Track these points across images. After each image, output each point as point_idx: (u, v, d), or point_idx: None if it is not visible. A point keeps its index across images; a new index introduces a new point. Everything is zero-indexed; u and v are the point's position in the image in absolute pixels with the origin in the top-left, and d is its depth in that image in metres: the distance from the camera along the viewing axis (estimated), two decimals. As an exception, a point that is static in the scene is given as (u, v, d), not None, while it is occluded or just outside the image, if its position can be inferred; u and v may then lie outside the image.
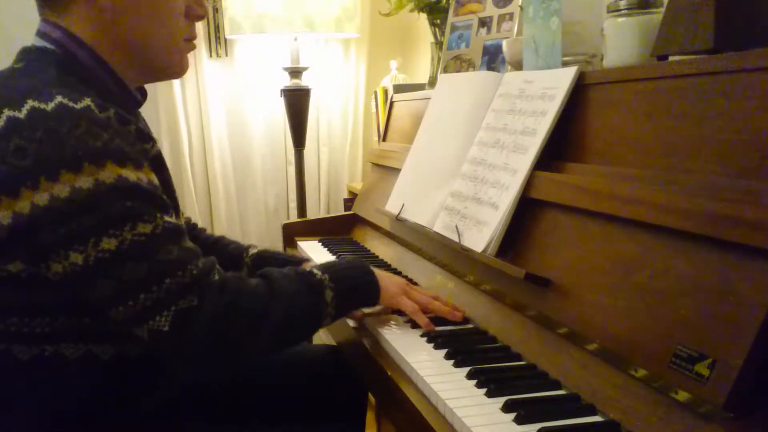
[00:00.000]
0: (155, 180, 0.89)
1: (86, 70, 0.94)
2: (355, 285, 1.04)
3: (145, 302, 0.83)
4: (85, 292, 0.85)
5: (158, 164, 0.95)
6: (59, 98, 0.83)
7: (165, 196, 0.91)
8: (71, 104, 0.83)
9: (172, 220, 0.88)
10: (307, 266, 1.03)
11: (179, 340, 0.85)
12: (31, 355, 0.88)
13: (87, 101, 0.85)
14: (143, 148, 0.92)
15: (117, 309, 0.84)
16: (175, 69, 1.04)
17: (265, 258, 1.30)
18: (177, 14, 1.00)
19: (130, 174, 0.84)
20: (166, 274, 0.84)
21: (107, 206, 0.82)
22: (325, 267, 1.03)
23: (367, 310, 1.16)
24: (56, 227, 0.81)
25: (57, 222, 0.81)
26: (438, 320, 1.11)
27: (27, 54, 0.94)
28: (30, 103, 0.82)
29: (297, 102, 2.38)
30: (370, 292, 1.06)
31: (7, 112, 0.82)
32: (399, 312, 1.15)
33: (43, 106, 0.82)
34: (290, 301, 0.94)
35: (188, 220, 1.36)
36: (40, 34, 0.95)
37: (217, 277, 0.90)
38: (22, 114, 0.82)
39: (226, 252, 1.31)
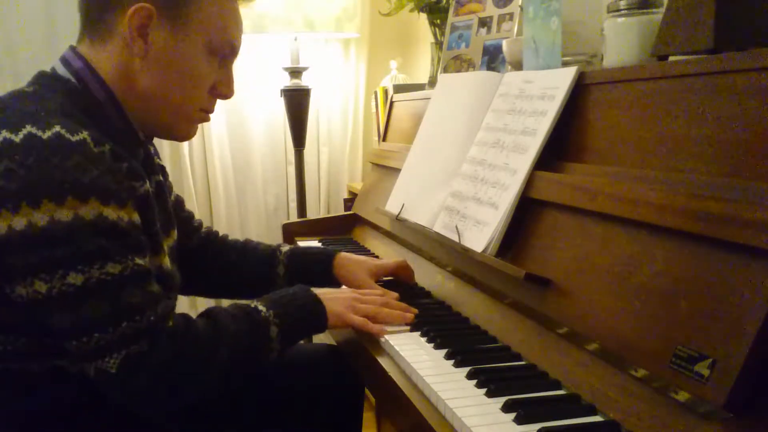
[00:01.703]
0: (137, 219, 0.90)
1: (95, 103, 0.95)
2: (301, 317, 1.04)
3: (99, 342, 0.84)
4: (43, 319, 0.85)
5: (146, 203, 0.95)
6: (57, 128, 0.83)
7: (144, 237, 0.92)
8: (68, 135, 0.83)
9: (143, 262, 0.89)
10: (257, 303, 1.03)
11: (124, 383, 0.86)
12: None
13: (84, 134, 0.85)
14: (131, 186, 0.92)
15: (70, 342, 0.85)
16: (180, 134, 1.06)
17: (298, 254, 1.32)
18: (201, 87, 1.01)
19: (111, 213, 0.85)
20: (124, 317, 0.84)
21: (81, 242, 0.82)
22: (272, 301, 1.03)
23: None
24: (26, 253, 0.82)
25: (28, 249, 0.81)
26: (436, 323, 1.11)
27: (40, 79, 0.95)
28: (27, 129, 0.83)
29: (297, 102, 2.38)
30: (318, 320, 1.06)
31: (4, 133, 0.83)
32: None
33: (39, 133, 0.82)
34: (235, 342, 0.94)
35: (209, 229, 1.36)
36: (63, 60, 0.96)
37: (171, 323, 0.90)
38: (17, 138, 0.82)
39: (257, 253, 1.33)
